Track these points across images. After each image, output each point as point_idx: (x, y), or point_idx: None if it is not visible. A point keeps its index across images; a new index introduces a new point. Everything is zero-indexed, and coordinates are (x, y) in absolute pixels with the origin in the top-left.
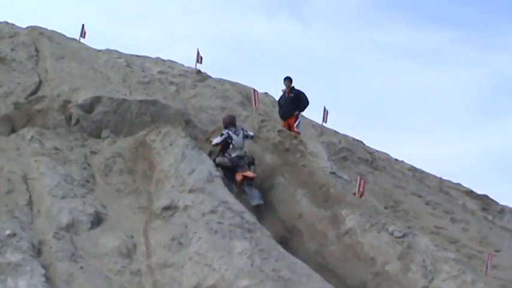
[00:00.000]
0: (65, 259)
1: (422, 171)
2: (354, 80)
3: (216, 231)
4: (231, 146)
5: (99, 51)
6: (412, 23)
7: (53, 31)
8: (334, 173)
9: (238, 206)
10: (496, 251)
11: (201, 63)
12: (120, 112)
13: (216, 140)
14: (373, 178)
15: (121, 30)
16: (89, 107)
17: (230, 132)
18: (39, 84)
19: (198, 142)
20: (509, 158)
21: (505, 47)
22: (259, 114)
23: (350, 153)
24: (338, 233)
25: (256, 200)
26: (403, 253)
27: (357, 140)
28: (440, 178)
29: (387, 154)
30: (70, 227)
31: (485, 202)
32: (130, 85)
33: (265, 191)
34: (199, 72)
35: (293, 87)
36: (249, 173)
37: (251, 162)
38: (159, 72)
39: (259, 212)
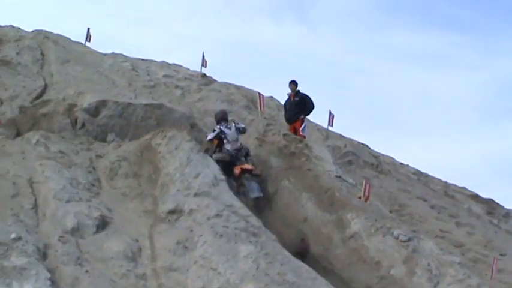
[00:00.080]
0: (70, 263)
1: (427, 175)
2: (359, 83)
3: (221, 235)
4: (225, 140)
5: (105, 55)
6: (417, 27)
7: (58, 35)
8: (339, 177)
9: (244, 210)
10: (501, 255)
11: (206, 67)
12: (125, 116)
13: (210, 135)
14: (378, 182)
15: (126, 34)
16: (94, 111)
17: (222, 127)
18: (45, 88)
19: (203, 146)
20: None
21: (508, 50)
22: (265, 118)
23: (355, 157)
24: (343, 237)
25: (256, 193)
26: (408, 257)
27: (362, 144)
28: (446, 182)
29: (392, 158)
30: (75, 230)
31: (491, 206)
32: (135, 89)
33: (271, 195)
34: (204, 75)
35: (298, 90)
36: (247, 165)
37: (247, 154)
38: (165, 76)
39: (258, 205)
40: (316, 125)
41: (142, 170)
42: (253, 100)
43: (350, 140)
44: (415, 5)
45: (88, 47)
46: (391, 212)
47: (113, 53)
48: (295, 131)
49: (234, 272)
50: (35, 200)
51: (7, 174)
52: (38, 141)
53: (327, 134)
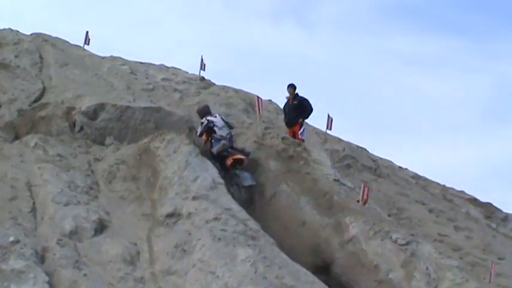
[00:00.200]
0: (68, 266)
1: (425, 179)
2: (358, 87)
3: (219, 239)
4: (215, 128)
5: (103, 58)
6: (416, 30)
7: (57, 38)
8: (337, 181)
9: (242, 214)
10: (500, 258)
11: (204, 70)
12: (123, 119)
13: (199, 130)
14: (377, 185)
15: (125, 37)
16: (92, 114)
17: (209, 118)
18: (43, 91)
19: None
20: None
21: (508, 54)
22: (263, 121)
23: (354, 160)
24: (342, 241)
25: (249, 181)
26: (406, 261)
27: (361, 148)
28: (444, 186)
29: (391, 161)
30: (73, 234)
31: (489, 210)
32: (134, 92)
33: (269, 198)
34: (203, 79)
35: (297, 94)
36: (239, 156)
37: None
38: (163, 79)
39: (250, 192)
40: (314, 128)
41: (140, 173)
42: (251, 103)
43: (348, 143)
44: (414, 9)
45: (87, 50)
46: (389, 215)
47: (111, 56)
48: (295, 135)
49: (232, 276)
50: (33, 203)
51: (5, 177)
52: (36, 144)
53: (325, 138)
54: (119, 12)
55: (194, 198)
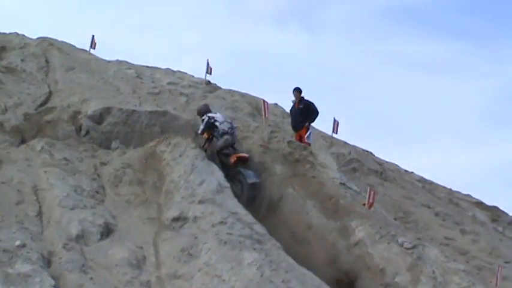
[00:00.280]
0: (74, 270)
1: (432, 183)
2: (364, 90)
3: (225, 242)
4: (216, 123)
5: (109, 62)
6: (422, 34)
7: (63, 42)
8: (343, 184)
9: (248, 217)
10: (506, 262)
11: (210, 74)
12: (129, 123)
13: (200, 127)
14: (383, 189)
15: (131, 41)
16: (98, 118)
17: (209, 114)
18: (49, 95)
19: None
20: None
21: None
22: (269, 125)
23: (360, 164)
24: (348, 244)
25: (253, 178)
26: (413, 264)
27: (367, 151)
28: (450, 189)
29: (397, 165)
30: (80, 237)
31: (495, 213)
32: (140, 96)
33: (275, 202)
34: (209, 83)
35: (302, 97)
36: (243, 154)
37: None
38: (169, 83)
39: (254, 190)
40: (320, 132)
41: (146, 177)
42: (257, 107)
43: (354, 147)
44: (420, 13)
45: (93, 54)
46: (395, 219)
47: (117, 60)
48: (301, 139)
49: (238, 280)
50: (40, 207)
51: (12, 181)
52: (42, 148)
53: (331, 141)
54: (124, 16)
55: (200, 202)
